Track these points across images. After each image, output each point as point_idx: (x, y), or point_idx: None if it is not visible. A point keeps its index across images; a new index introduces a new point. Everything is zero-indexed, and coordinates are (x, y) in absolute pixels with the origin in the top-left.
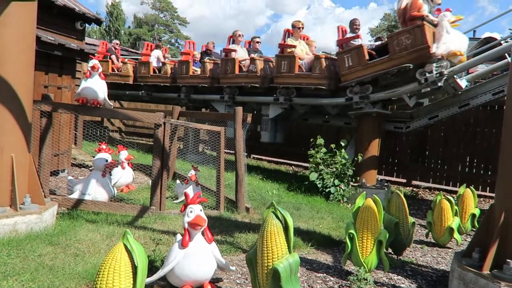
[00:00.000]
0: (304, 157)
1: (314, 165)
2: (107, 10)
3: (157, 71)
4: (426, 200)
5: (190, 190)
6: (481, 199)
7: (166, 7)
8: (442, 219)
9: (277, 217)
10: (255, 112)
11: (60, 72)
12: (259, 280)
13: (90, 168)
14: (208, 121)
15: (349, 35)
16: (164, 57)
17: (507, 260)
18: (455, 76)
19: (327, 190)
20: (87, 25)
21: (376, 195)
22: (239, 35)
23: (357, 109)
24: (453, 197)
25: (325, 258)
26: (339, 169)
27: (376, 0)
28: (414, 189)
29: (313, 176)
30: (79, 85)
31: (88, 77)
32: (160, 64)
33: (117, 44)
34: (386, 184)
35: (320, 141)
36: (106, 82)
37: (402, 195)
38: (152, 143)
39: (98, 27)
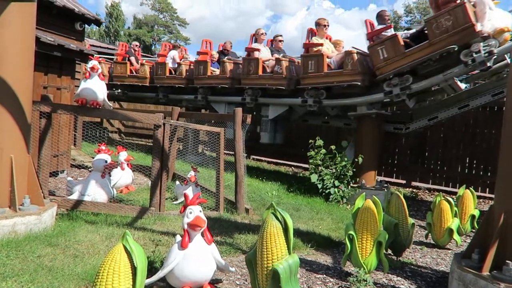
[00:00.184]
0: (304, 158)
1: (314, 166)
2: (107, 11)
3: (173, 72)
4: (425, 201)
5: (189, 191)
6: (481, 200)
7: (166, 8)
8: (441, 220)
9: (276, 218)
10: (254, 113)
11: (59, 73)
12: (259, 281)
13: (90, 169)
14: (208, 122)
15: (378, 27)
16: (183, 57)
17: (507, 261)
18: (455, 78)
19: (326, 191)
20: (86, 26)
21: (376, 196)
22: (262, 34)
23: (398, 101)
24: (453, 198)
25: (324, 259)
26: (339, 170)
27: (375, 1)
28: (414, 190)
29: (314, 178)
30: (78, 86)
31: (87, 78)
32: (176, 65)
33: (136, 45)
34: (386, 185)
35: (320, 142)
36: (125, 85)
37: (401, 196)
38: (151, 144)
39: (97, 28)
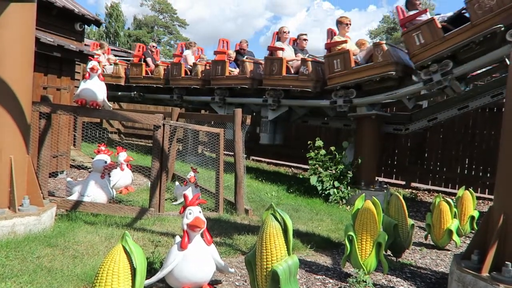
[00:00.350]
0: (304, 159)
1: (313, 168)
2: (107, 11)
3: (188, 73)
4: (425, 202)
5: (189, 192)
6: (480, 201)
7: (166, 9)
8: (441, 221)
9: (276, 219)
10: (254, 113)
11: (59, 73)
12: (258, 282)
13: (89, 170)
14: (207, 123)
15: (410, 13)
16: (199, 57)
17: (506, 262)
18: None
19: (326, 192)
20: (86, 26)
21: (375, 197)
22: (285, 32)
23: (439, 89)
24: (452, 199)
25: (324, 260)
26: (338, 171)
27: (375, 2)
28: (413, 191)
29: (313, 180)
30: (78, 87)
31: (87, 78)
32: (188, 65)
33: (153, 46)
34: (385, 186)
35: (319, 143)
36: (140, 86)
37: (401, 197)
38: (151, 145)
39: (97, 28)
